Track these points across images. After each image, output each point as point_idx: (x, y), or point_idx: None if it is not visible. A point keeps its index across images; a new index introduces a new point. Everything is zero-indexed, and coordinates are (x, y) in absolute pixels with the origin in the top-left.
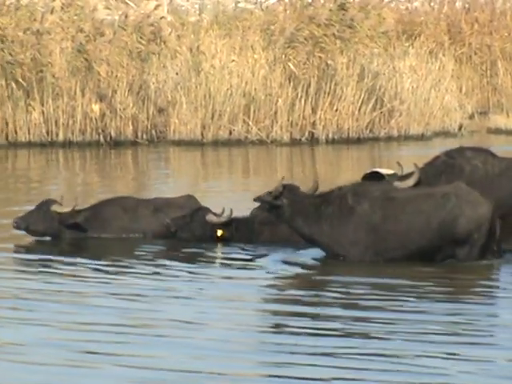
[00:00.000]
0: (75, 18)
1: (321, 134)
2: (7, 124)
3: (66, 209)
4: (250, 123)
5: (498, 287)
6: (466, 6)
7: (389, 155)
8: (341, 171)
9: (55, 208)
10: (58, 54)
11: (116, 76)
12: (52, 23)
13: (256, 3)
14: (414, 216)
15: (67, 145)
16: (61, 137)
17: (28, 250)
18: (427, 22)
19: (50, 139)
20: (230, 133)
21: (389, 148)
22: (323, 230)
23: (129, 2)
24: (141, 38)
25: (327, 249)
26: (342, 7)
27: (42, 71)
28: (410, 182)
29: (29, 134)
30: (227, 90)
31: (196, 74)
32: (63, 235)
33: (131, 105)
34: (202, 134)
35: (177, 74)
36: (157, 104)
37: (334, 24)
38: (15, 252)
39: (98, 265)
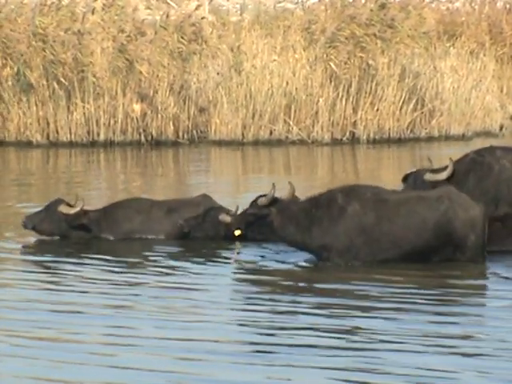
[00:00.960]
0: (116, 18)
1: (362, 134)
2: (48, 124)
3: (73, 210)
4: (291, 123)
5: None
6: (507, 6)
7: (429, 155)
8: (382, 171)
9: (62, 209)
10: (99, 54)
11: (157, 76)
12: (93, 23)
13: (297, 3)
14: (409, 217)
15: (108, 145)
16: (102, 137)
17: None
18: (468, 22)
19: (91, 139)
20: (271, 133)
21: (430, 148)
22: (314, 233)
23: (170, 2)
24: (182, 37)
25: (319, 252)
26: (383, 7)
27: (83, 71)
28: (444, 174)
29: (70, 133)
30: (268, 89)
31: (237, 74)
32: (71, 235)
33: (172, 104)
34: (243, 134)
35: (218, 73)
36: (198, 104)
37: (375, 24)
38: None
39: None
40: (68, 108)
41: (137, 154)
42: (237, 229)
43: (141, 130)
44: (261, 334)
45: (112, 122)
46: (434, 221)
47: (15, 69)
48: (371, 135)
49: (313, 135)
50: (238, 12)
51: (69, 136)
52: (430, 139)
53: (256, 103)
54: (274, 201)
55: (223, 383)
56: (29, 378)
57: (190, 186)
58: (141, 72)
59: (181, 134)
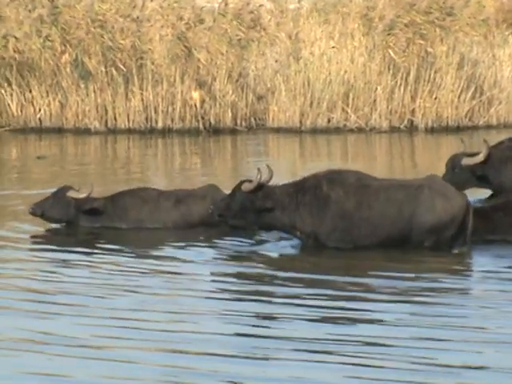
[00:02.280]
0: (175, 5)
1: (420, 122)
2: (107, 111)
3: (82, 195)
4: (349, 111)
5: (467, 277)
6: None
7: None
8: (440, 159)
9: (71, 194)
10: (158, 41)
11: (215, 63)
12: (152, 10)
13: None
14: (386, 204)
15: (166, 132)
16: (160, 124)
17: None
18: None
19: (149, 126)
20: (329, 120)
21: (488, 136)
22: (300, 218)
23: None
24: (240, 25)
25: (306, 237)
26: None
27: (141, 58)
28: (479, 157)
29: (128, 120)
30: (326, 77)
31: (295, 62)
32: (79, 222)
33: (230, 92)
34: (301, 122)
35: (276, 61)
36: (256, 91)
37: (434, 11)
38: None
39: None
40: (126, 95)
41: (195, 141)
42: (219, 215)
43: (199, 118)
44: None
45: (170, 109)
46: (412, 209)
47: (74, 56)
48: (429, 123)
49: (371, 123)
50: None
51: (127, 123)
52: (488, 127)
53: (314, 91)
54: (259, 186)
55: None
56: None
57: (247, 172)
58: (199, 59)
59: (239, 121)
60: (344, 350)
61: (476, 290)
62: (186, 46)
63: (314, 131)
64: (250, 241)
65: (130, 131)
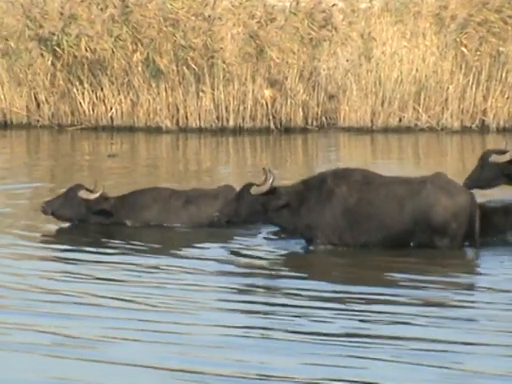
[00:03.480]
0: (247, 3)
1: (491, 122)
2: (178, 110)
3: (94, 195)
4: (420, 110)
5: (476, 276)
6: None
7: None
8: None
9: (82, 194)
10: (230, 40)
11: (287, 62)
12: (224, 9)
13: None
14: (387, 200)
15: (237, 131)
16: (231, 123)
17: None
18: None
19: (220, 125)
20: (400, 120)
21: None
22: (304, 214)
23: None
24: (312, 24)
25: (306, 233)
26: None
27: (213, 57)
28: (506, 156)
29: (199, 119)
30: (397, 76)
31: (366, 61)
32: (90, 221)
33: (302, 91)
34: (372, 121)
35: (347, 60)
36: (327, 90)
37: (506, 10)
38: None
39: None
40: (197, 94)
41: (266, 140)
42: (227, 222)
43: (270, 117)
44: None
45: (241, 108)
46: (413, 205)
47: (145, 54)
48: (501, 123)
49: (442, 122)
50: None
51: (198, 122)
52: None
53: (385, 90)
54: (269, 190)
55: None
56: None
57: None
58: (271, 58)
59: (310, 120)
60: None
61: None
62: (257, 45)
63: (385, 130)
64: (256, 241)
65: (200, 130)
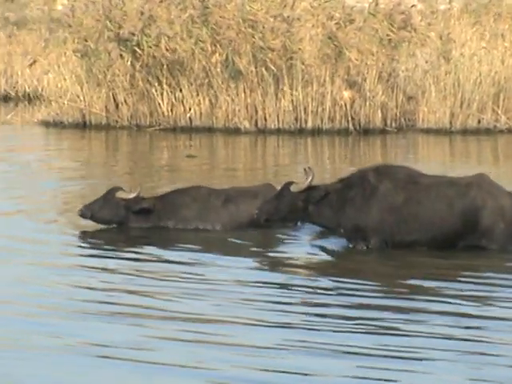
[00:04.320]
0: (326, 4)
1: None
2: (257, 111)
3: (131, 195)
4: (499, 112)
5: None
6: None
7: None
8: None
9: (120, 194)
10: (308, 41)
11: (366, 63)
12: (303, 10)
13: None
14: (436, 201)
15: (316, 132)
16: (310, 124)
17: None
18: None
19: (298, 126)
20: (479, 121)
21: None
22: (348, 213)
23: None
24: (391, 25)
25: (351, 233)
26: None
27: (291, 58)
28: None
29: (278, 120)
30: (476, 78)
31: (445, 62)
32: (129, 223)
33: (380, 92)
34: (451, 123)
35: (426, 61)
36: (406, 92)
37: None
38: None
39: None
40: (276, 95)
41: (344, 141)
42: (266, 219)
43: (349, 118)
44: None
45: (320, 109)
46: (461, 206)
47: (224, 55)
48: None
49: None
50: (447, 0)
51: (276, 123)
52: None
53: (464, 91)
54: (308, 187)
55: None
56: None
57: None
58: (350, 59)
59: (389, 121)
60: None
61: None
62: (336, 46)
63: (464, 132)
64: (296, 240)
65: (279, 131)
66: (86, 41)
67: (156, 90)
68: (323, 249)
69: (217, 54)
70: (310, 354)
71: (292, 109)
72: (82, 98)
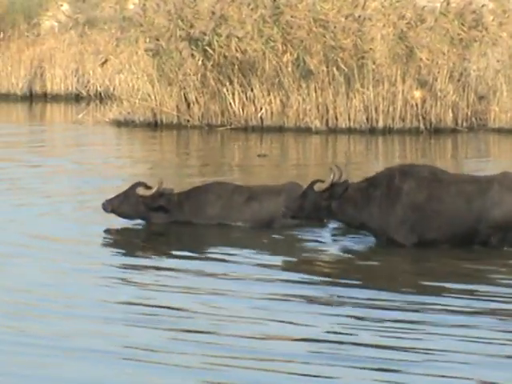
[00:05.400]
0: (397, 4)
1: None
2: (328, 110)
3: (150, 191)
4: None
5: None
6: None
7: None
8: None
9: (139, 191)
10: (379, 41)
11: (437, 63)
12: (374, 9)
13: None
14: (456, 198)
15: (387, 131)
16: (381, 123)
17: None
18: None
19: (369, 126)
20: None
21: None
22: (373, 213)
23: None
24: (462, 24)
25: (377, 232)
26: None
27: (363, 57)
28: None
29: (349, 120)
30: None
31: None
32: (152, 219)
33: (451, 92)
34: None
35: (498, 61)
36: (477, 91)
37: None
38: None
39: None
40: (347, 94)
41: (415, 140)
42: (292, 217)
43: (420, 117)
44: None
45: (391, 108)
46: (480, 203)
47: (295, 55)
48: None
49: None
50: None
51: (348, 123)
52: None
53: None
54: (333, 185)
55: None
56: None
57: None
58: (421, 59)
59: (460, 121)
60: None
61: None
62: (407, 46)
63: None
64: (319, 238)
65: (350, 131)
66: (158, 40)
67: (227, 90)
68: (345, 248)
69: (288, 54)
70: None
71: (363, 108)
72: (153, 97)
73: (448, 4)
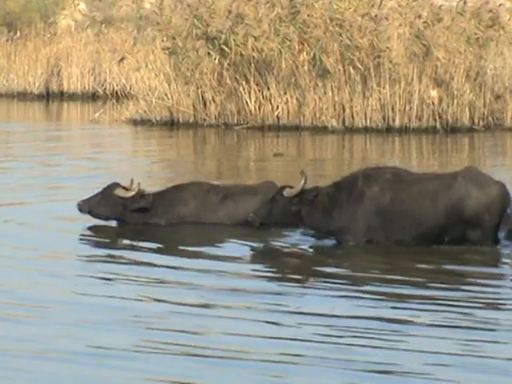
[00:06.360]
0: (413, 3)
1: None
2: (344, 109)
3: (129, 193)
4: None
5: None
6: None
7: None
8: None
9: (118, 192)
10: (396, 40)
11: (453, 62)
12: (390, 9)
13: None
14: (420, 196)
15: (403, 130)
16: (397, 122)
17: None
18: None
19: (386, 125)
20: None
21: None
22: (337, 217)
23: None
24: (479, 24)
25: (341, 236)
26: None
27: (379, 57)
28: None
29: (365, 119)
30: None
31: None
32: (127, 220)
33: (468, 91)
34: None
35: None
36: (494, 90)
37: None
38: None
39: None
40: (364, 94)
41: (432, 140)
42: (260, 224)
43: (436, 116)
44: None
45: (407, 107)
46: (446, 199)
47: (311, 54)
48: None
49: None
50: None
51: (364, 121)
52: None
53: None
54: (301, 190)
55: None
56: None
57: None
58: (437, 58)
59: (476, 120)
60: None
61: None
62: (423, 45)
63: None
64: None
65: (366, 130)
66: (174, 39)
67: (244, 89)
68: (311, 248)
69: (304, 53)
70: None
71: (379, 107)
72: (169, 96)
73: (465, 3)
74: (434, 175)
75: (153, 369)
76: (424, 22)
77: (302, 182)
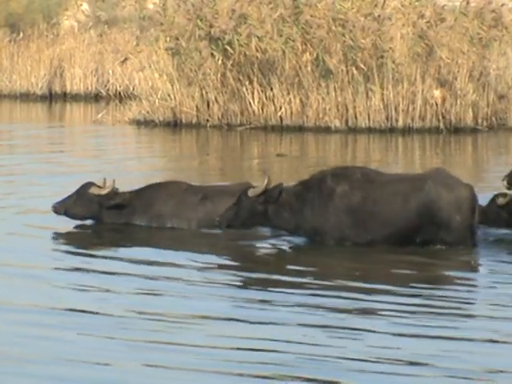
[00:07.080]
0: (416, 3)
1: None
2: (347, 109)
3: (105, 191)
4: None
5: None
6: None
7: None
8: None
9: (93, 190)
10: (399, 40)
11: (456, 62)
12: (393, 9)
13: None
14: (390, 197)
15: (406, 131)
16: (400, 123)
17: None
18: None
19: (389, 125)
20: None
21: None
22: (306, 216)
23: None
24: (482, 24)
25: (311, 235)
26: None
27: (382, 57)
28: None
29: (368, 119)
30: None
31: None
32: (104, 219)
33: (471, 91)
34: None
35: None
36: (497, 91)
37: None
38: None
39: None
40: (367, 94)
41: (435, 140)
42: (228, 226)
43: (439, 117)
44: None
45: (411, 108)
46: (416, 200)
47: (314, 54)
48: None
49: None
50: None
51: (367, 122)
52: None
53: None
54: (266, 190)
55: None
56: None
57: (486, 174)
58: (440, 58)
59: (480, 120)
60: None
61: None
62: (426, 45)
63: None
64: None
65: (369, 130)
66: (178, 39)
67: (247, 89)
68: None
69: (307, 53)
70: None
71: (382, 107)
72: (172, 96)
73: (468, 3)
74: (404, 176)
75: None
76: (427, 22)
77: (266, 180)
